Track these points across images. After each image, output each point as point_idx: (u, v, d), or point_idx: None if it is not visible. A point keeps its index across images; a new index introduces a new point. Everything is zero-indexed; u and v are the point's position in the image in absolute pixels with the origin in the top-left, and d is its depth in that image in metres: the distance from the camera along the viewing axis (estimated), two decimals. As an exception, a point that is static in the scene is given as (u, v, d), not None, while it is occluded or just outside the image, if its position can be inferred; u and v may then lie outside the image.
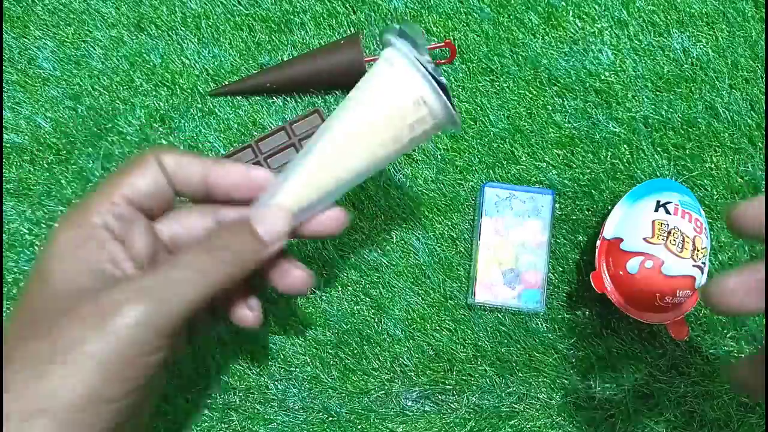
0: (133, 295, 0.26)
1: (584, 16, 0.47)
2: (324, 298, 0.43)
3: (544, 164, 0.45)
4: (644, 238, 0.39)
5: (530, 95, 0.46)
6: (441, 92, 0.29)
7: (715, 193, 0.45)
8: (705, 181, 0.45)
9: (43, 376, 0.24)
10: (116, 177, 0.29)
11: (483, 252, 0.43)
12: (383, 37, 0.32)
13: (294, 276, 0.31)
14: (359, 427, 0.41)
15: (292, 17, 0.47)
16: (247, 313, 0.32)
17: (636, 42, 0.47)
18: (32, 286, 0.27)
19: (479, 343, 0.43)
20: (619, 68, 0.46)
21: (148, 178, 0.29)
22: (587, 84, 0.46)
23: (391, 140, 0.30)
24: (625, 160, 0.45)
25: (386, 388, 0.42)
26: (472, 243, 0.44)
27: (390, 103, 0.30)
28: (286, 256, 0.32)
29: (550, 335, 0.43)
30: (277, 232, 0.29)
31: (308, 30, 0.47)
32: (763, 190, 0.45)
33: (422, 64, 0.29)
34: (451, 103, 0.30)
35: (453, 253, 0.44)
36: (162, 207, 0.30)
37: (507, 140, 0.45)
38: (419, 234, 0.44)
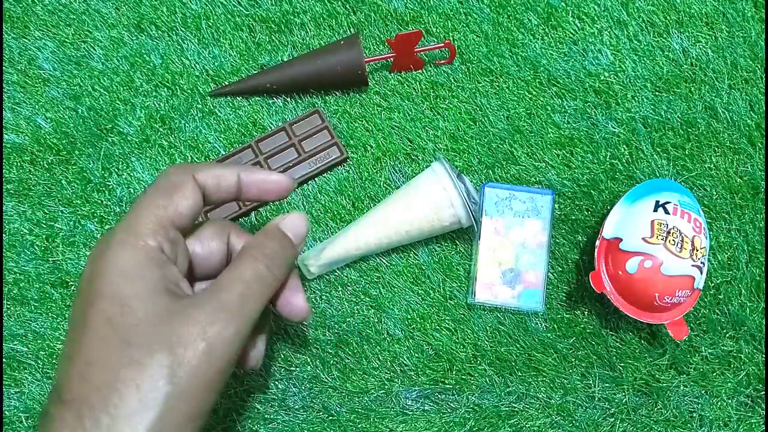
0: (221, 315, 0.27)
1: (584, 17, 0.47)
2: (324, 298, 0.43)
3: (544, 164, 0.45)
4: (643, 238, 0.39)
5: (530, 95, 0.46)
6: (470, 210, 0.40)
7: (714, 193, 0.45)
8: (704, 181, 0.45)
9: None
10: (161, 199, 0.29)
11: (483, 252, 0.43)
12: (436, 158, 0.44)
13: (296, 305, 0.34)
14: (359, 426, 0.41)
15: (292, 18, 0.47)
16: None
17: (635, 42, 0.47)
18: (102, 308, 0.26)
19: (479, 343, 0.43)
20: (618, 69, 0.47)
21: (190, 200, 0.30)
22: (587, 84, 0.46)
23: (425, 232, 0.41)
24: (624, 160, 0.45)
25: (386, 387, 0.42)
26: (472, 243, 0.44)
27: (435, 213, 0.40)
28: (289, 282, 0.34)
29: (549, 335, 0.43)
30: (302, 233, 0.34)
31: (308, 30, 0.47)
32: (763, 190, 0.45)
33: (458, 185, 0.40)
34: (474, 215, 0.40)
35: (453, 253, 0.44)
36: (192, 224, 0.32)
37: (506, 140, 0.45)
38: (419, 234, 0.44)
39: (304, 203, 0.45)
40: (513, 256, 0.43)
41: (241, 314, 0.28)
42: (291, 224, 0.33)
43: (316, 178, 0.45)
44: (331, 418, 0.41)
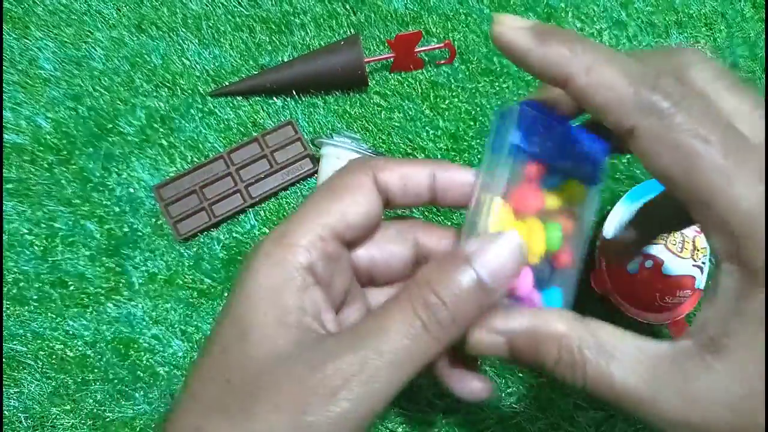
0: (344, 377, 0.20)
1: (583, 17, 0.47)
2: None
3: (544, 164, 0.45)
4: (644, 238, 0.39)
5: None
6: None
7: (715, 193, 0.45)
8: (704, 181, 0.45)
9: None
10: (325, 203, 0.23)
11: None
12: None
13: (473, 385, 0.25)
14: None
15: (292, 18, 0.47)
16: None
17: (635, 43, 0.47)
18: (227, 342, 0.22)
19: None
20: (618, 69, 0.47)
21: (362, 207, 0.23)
22: (587, 84, 0.46)
23: None
24: (624, 160, 0.45)
25: (386, 388, 0.42)
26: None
27: None
28: (469, 360, 0.26)
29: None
30: (505, 275, 0.22)
31: (308, 31, 0.47)
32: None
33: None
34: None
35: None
36: (368, 235, 0.25)
37: (507, 140, 0.45)
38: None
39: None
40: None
41: (370, 383, 0.20)
42: (489, 260, 0.21)
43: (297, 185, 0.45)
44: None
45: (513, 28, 0.22)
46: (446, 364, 0.26)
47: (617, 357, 0.20)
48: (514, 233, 0.22)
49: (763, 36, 0.47)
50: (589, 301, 0.43)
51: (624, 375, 0.19)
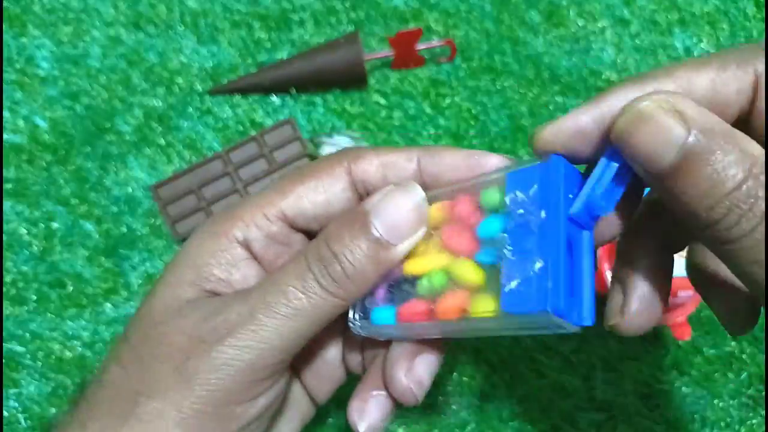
0: (231, 325, 0.20)
1: (586, 15, 0.47)
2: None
3: (545, 164, 0.45)
4: (646, 239, 0.39)
5: (532, 94, 0.46)
6: None
7: (718, 192, 0.45)
8: (707, 180, 0.45)
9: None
10: (285, 184, 0.23)
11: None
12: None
13: (394, 379, 0.23)
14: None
15: (291, 15, 0.47)
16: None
17: (638, 41, 0.47)
18: (140, 303, 0.23)
19: (480, 345, 0.42)
20: (620, 67, 0.46)
21: (320, 194, 0.22)
22: (589, 83, 0.46)
23: None
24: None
25: (386, 389, 0.42)
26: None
27: None
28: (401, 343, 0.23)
29: (551, 336, 0.43)
30: (403, 228, 0.20)
31: (307, 28, 0.47)
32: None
33: None
34: None
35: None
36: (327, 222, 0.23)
37: (508, 139, 0.45)
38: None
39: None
40: None
41: (252, 341, 0.20)
42: (387, 213, 0.20)
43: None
44: (330, 419, 0.41)
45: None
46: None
47: None
48: (416, 186, 0.21)
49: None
50: (590, 301, 0.43)
51: None
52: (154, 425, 0.20)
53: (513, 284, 0.18)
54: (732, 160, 0.16)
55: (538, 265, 0.18)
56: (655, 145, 0.16)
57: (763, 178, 0.16)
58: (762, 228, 0.16)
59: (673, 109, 0.16)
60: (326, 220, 0.23)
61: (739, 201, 0.16)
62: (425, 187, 0.22)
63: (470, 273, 0.20)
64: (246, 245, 0.22)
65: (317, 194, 0.22)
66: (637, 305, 0.22)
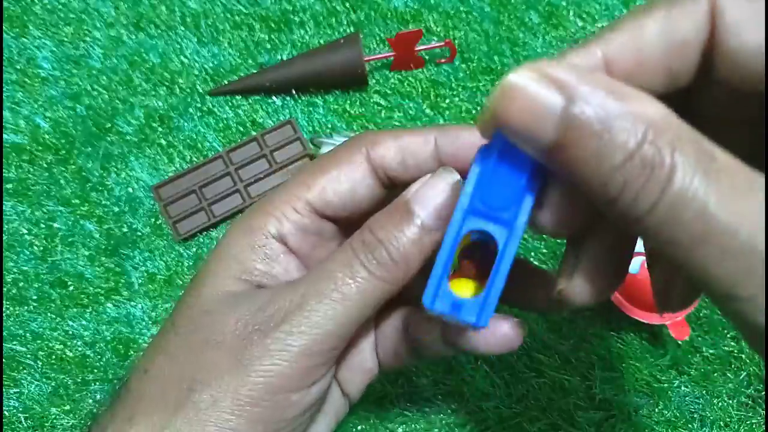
0: (284, 312, 0.21)
1: (585, 16, 0.47)
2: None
3: (545, 164, 0.45)
4: (645, 239, 0.39)
5: (531, 95, 0.46)
6: None
7: (716, 192, 0.45)
8: (706, 180, 0.45)
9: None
10: (307, 176, 0.23)
11: None
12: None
13: (502, 330, 0.22)
14: (359, 428, 0.41)
15: (291, 16, 0.47)
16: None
17: (637, 41, 0.47)
18: (183, 296, 0.23)
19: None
20: (619, 68, 0.46)
21: (343, 183, 0.23)
22: (588, 83, 0.46)
23: None
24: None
25: (386, 389, 0.42)
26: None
27: None
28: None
29: (550, 335, 0.43)
30: (443, 211, 0.20)
31: (308, 29, 0.47)
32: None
33: None
34: None
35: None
36: (361, 212, 0.24)
37: (507, 140, 0.45)
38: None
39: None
40: None
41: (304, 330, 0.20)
42: (427, 198, 0.21)
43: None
44: None
45: None
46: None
47: (724, 182, 0.13)
48: (450, 171, 0.21)
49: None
50: (589, 301, 0.43)
51: (729, 207, 0.13)
52: (209, 413, 0.20)
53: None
54: (622, 127, 0.13)
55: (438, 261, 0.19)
56: (531, 121, 0.14)
57: (662, 143, 0.13)
58: (668, 200, 0.13)
59: (546, 75, 0.14)
60: (353, 207, 0.23)
61: (632, 174, 0.13)
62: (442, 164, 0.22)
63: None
64: (281, 239, 0.23)
65: (340, 184, 0.23)
66: (587, 271, 0.19)
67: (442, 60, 0.46)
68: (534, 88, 0.14)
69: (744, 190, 0.13)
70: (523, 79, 0.14)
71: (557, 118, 0.14)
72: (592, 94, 0.14)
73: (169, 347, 0.21)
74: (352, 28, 0.47)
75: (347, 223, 0.24)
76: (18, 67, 0.45)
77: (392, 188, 0.24)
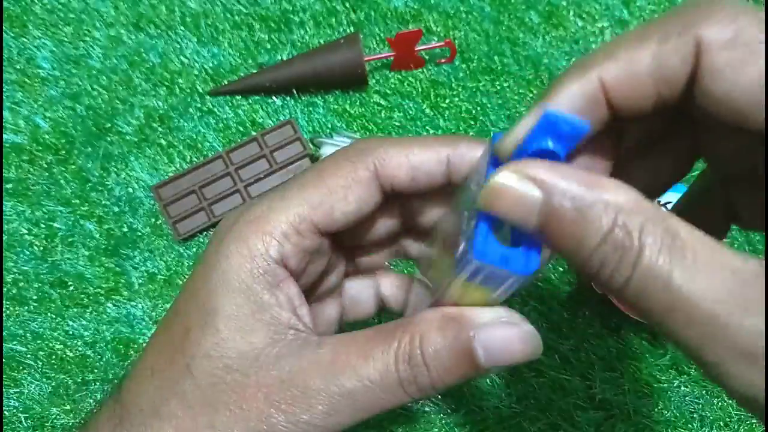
0: (309, 403, 0.20)
1: (585, 16, 0.47)
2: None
3: (545, 164, 0.45)
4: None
5: (531, 95, 0.46)
6: None
7: (716, 192, 0.45)
8: (706, 180, 0.45)
9: None
10: (310, 192, 0.21)
11: None
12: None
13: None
14: (359, 427, 0.41)
15: (291, 16, 0.47)
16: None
17: (637, 41, 0.47)
18: (191, 324, 0.21)
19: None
20: (619, 67, 0.46)
21: (352, 206, 0.21)
22: (588, 83, 0.46)
23: None
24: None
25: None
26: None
27: None
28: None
29: (550, 335, 0.43)
30: (505, 361, 0.20)
31: (308, 29, 0.47)
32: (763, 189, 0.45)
33: None
34: None
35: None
36: (356, 225, 0.23)
37: (507, 140, 0.45)
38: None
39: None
40: None
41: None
42: (494, 342, 0.19)
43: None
44: None
45: None
46: None
47: (688, 258, 0.15)
48: (530, 329, 0.20)
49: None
50: (589, 301, 0.43)
51: (691, 279, 0.15)
52: None
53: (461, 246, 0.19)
54: (595, 214, 0.16)
55: (473, 223, 0.18)
56: (517, 213, 0.16)
57: (631, 226, 0.15)
58: (639, 276, 0.15)
59: (526, 175, 0.16)
60: (356, 222, 0.22)
61: (607, 254, 0.16)
62: (451, 182, 0.22)
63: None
64: (281, 263, 0.21)
65: (348, 204, 0.21)
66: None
67: (442, 60, 0.46)
68: (516, 187, 0.16)
69: (704, 263, 0.15)
70: (508, 180, 0.16)
71: (538, 209, 0.16)
72: (567, 186, 0.16)
73: (186, 395, 0.20)
74: (352, 28, 0.47)
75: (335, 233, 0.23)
76: (18, 67, 0.45)
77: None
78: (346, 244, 0.25)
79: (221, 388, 0.20)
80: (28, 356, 0.41)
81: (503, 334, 0.20)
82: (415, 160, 0.22)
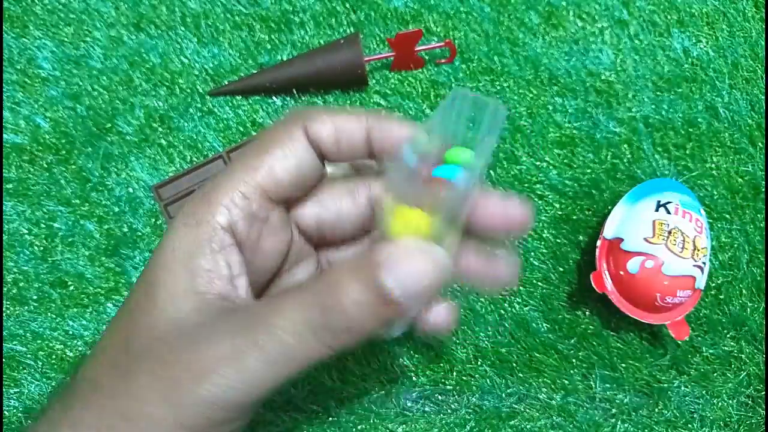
0: (217, 361, 0.20)
1: (585, 16, 0.47)
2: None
3: (545, 164, 0.45)
4: (645, 238, 0.39)
5: (531, 95, 0.46)
6: None
7: (716, 193, 0.45)
8: (705, 181, 0.45)
9: None
10: (251, 158, 0.22)
11: None
12: None
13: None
14: (359, 427, 0.41)
15: (291, 17, 0.47)
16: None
17: (636, 42, 0.47)
18: (135, 303, 0.22)
19: (479, 344, 0.43)
20: (619, 68, 0.46)
21: (290, 159, 0.22)
22: (588, 84, 0.46)
23: None
24: (625, 160, 0.45)
25: (386, 388, 0.42)
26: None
27: None
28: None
29: (550, 335, 0.43)
30: (418, 290, 0.20)
31: (308, 29, 0.47)
32: (764, 189, 0.45)
33: None
34: None
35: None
36: (306, 190, 0.24)
37: (507, 140, 0.45)
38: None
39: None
40: None
41: (250, 369, 0.20)
42: (405, 273, 0.19)
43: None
44: (331, 419, 0.41)
45: None
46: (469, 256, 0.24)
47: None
48: (440, 252, 0.20)
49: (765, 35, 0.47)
50: (589, 301, 0.43)
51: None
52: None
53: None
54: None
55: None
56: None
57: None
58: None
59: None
60: (301, 184, 0.23)
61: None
62: (372, 156, 0.23)
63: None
64: (230, 229, 0.21)
65: (287, 161, 0.22)
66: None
67: (442, 60, 0.46)
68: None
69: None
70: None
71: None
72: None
73: (119, 362, 0.21)
74: (352, 29, 0.47)
75: (290, 203, 0.24)
76: (18, 67, 0.45)
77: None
78: (314, 238, 0.25)
79: (145, 356, 0.20)
80: (28, 356, 0.41)
81: (410, 261, 0.19)
82: (339, 121, 0.22)
